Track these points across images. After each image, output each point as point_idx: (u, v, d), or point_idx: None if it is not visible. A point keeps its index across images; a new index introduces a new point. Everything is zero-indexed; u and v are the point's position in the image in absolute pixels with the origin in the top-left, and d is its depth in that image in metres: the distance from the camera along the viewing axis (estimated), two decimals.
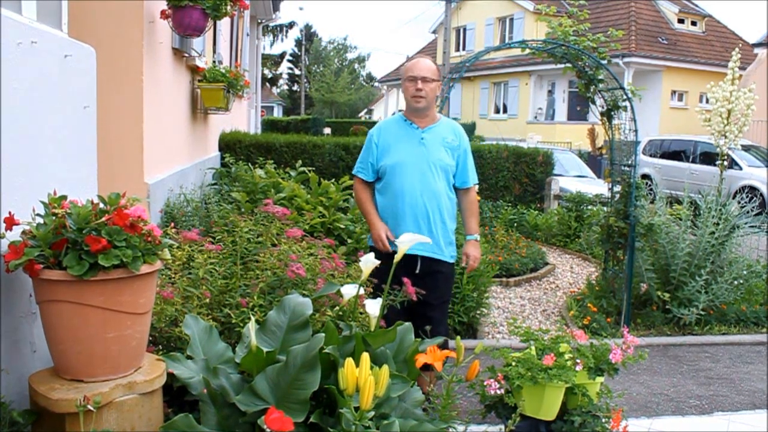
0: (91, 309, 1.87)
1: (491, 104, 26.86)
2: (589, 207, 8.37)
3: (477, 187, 3.43)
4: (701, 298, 4.98)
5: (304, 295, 2.57)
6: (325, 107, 44.79)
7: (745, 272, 5.51)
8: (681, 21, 23.61)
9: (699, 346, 4.88)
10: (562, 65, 5.32)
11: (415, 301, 2.86)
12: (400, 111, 3.42)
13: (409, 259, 2.94)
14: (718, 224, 5.11)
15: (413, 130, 3.24)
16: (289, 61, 50.41)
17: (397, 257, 2.59)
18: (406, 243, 2.58)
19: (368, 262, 2.57)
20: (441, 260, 3.24)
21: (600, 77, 5.12)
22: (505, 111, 26.16)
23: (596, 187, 9.59)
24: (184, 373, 2.17)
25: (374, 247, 3.17)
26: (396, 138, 3.25)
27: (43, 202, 1.91)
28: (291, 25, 46.37)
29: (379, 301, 2.50)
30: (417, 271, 3.09)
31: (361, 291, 2.61)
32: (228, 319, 2.66)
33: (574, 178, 10.79)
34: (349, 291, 2.56)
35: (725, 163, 6.01)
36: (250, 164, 7.00)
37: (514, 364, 2.78)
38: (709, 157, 12.77)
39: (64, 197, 1.93)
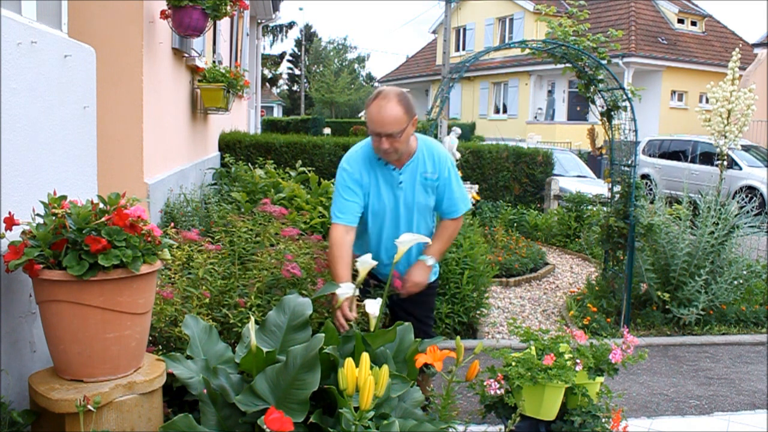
0: (91, 309, 1.87)
1: (491, 104, 26.87)
2: (589, 207, 8.38)
3: (462, 219, 3.01)
4: (701, 298, 4.98)
5: (302, 295, 2.57)
6: (325, 107, 44.79)
7: (744, 272, 5.51)
8: (681, 21, 23.63)
9: (699, 346, 4.88)
10: (562, 65, 5.32)
11: (399, 314, 2.84)
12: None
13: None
14: (717, 224, 5.11)
15: (389, 172, 2.81)
16: (288, 61, 50.44)
17: (397, 257, 2.58)
18: (406, 243, 2.57)
19: (365, 263, 2.55)
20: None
21: (600, 77, 5.12)
22: (504, 111, 26.17)
23: (596, 187, 9.59)
24: (183, 373, 2.17)
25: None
26: (371, 178, 2.81)
27: (42, 202, 1.91)
28: (291, 25, 46.46)
29: (378, 301, 2.50)
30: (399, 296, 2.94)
31: (357, 292, 2.59)
32: (226, 319, 2.66)
33: (573, 178, 10.80)
34: (344, 291, 2.55)
35: (725, 163, 6.02)
36: (249, 164, 7.01)
37: (513, 364, 2.78)
38: (708, 157, 12.77)
39: (63, 197, 1.93)
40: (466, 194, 2.96)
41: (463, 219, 2.74)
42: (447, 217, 2.93)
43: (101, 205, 1.94)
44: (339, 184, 2.83)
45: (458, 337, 2.43)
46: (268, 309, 2.66)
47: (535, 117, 24.48)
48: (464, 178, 8.74)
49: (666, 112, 21.65)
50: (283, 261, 2.84)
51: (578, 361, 2.79)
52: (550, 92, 25.01)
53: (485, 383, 2.80)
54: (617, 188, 5.28)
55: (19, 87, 2.02)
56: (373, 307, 2.46)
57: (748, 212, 5.30)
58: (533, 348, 2.88)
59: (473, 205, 7.40)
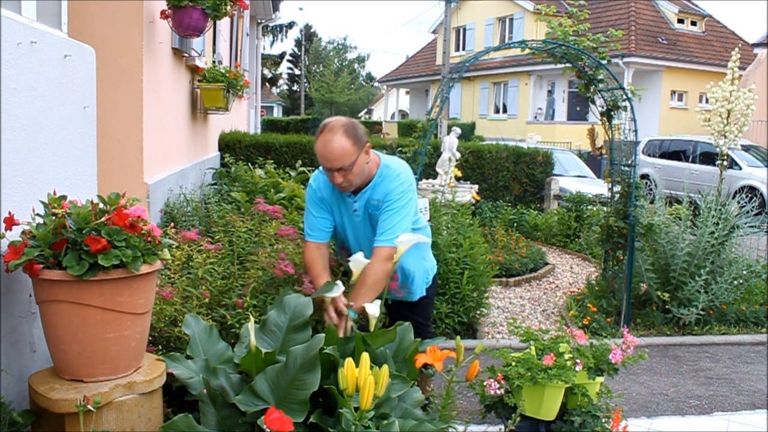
0: (91, 309, 1.87)
1: (491, 104, 26.86)
2: (589, 207, 8.37)
3: (392, 251, 2.58)
4: (701, 298, 4.98)
5: (296, 293, 2.57)
6: (325, 107, 44.78)
7: (744, 272, 5.51)
8: (681, 21, 23.62)
9: (699, 346, 4.88)
10: (562, 65, 5.32)
11: (397, 319, 2.82)
12: None
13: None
14: (717, 224, 5.11)
15: (345, 197, 2.76)
16: (288, 61, 50.43)
17: (396, 257, 2.58)
18: (405, 243, 2.56)
19: (358, 262, 2.54)
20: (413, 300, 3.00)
21: (600, 77, 5.12)
22: (504, 111, 26.16)
23: (596, 187, 9.59)
24: (183, 373, 2.17)
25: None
26: (332, 198, 2.79)
27: (42, 202, 1.91)
28: (291, 25, 46.42)
29: (378, 302, 2.50)
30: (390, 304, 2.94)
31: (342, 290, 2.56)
32: (225, 319, 2.66)
33: (573, 178, 10.80)
34: (336, 291, 2.55)
35: (725, 163, 6.02)
36: (249, 164, 7.01)
37: (513, 364, 2.78)
38: (708, 157, 12.77)
39: (63, 197, 1.93)
40: (404, 228, 2.63)
41: (391, 267, 2.57)
42: (374, 243, 2.66)
43: (101, 205, 1.94)
44: (307, 200, 2.85)
45: (458, 337, 2.43)
46: (265, 309, 2.67)
47: (535, 117, 24.48)
48: (464, 178, 8.74)
49: (666, 112, 21.65)
50: (277, 260, 2.84)
51: (578, 361, 2.79)
52: (550, 92, 25.01)
53: (485, 383, 2.80)
54: (617, 188, 5.28)
55: (19, 87, 2.02)
56: (373, 308, 2.46)
57: (748, 212, 5.30)
58: (533, 348, 2.88)
59: (473, 205, 7.39)
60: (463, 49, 27.53)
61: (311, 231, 2.80)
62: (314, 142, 2.63)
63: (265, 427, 1.72)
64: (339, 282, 2.58)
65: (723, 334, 5.12)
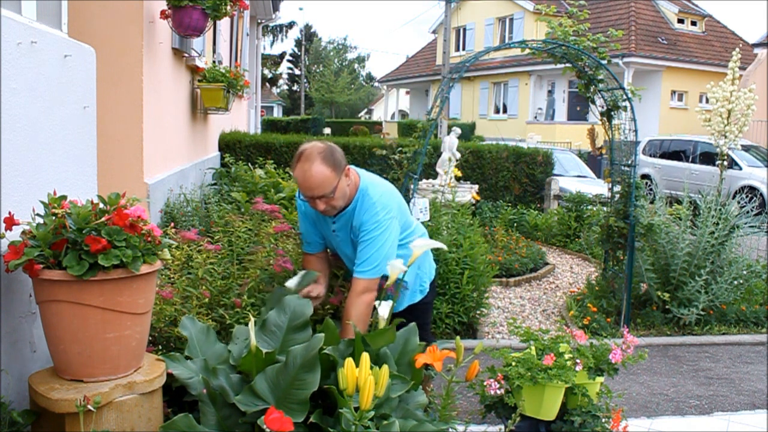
0: (91, 309, 1.87)
1: (491, 104, 26.87)
2: (589, 207, 8.37)
3: (371, 282, 2.54)
4: (701, 298, 4.97)
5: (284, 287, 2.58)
6: (325, 107, 44.81)
7: (744, 272, 5.51)
8: (681, 21, 23.62)
9: (699, 346, 4.88)
10: (562, 65, 5.32)
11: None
12: None
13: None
14: (717, 224, 5.11)
15: (324, 217, 2.73)
16: (289, 61, 50.45)
17: (410, 261, 2.56)
18: (420, 248, 2.55)
19: (395, 267, 2.46)
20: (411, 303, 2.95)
21: (600, 77, 5.12)
22: (504, 111, 26.17)
23: (596, 187, 9.59)
24: (183, 374, 2.17)
25: None
26: (314, 214, 2.76)
27: (42, 202, 1.91)
28: (291, 25, 46.46)
29: (389, 303, 2.48)
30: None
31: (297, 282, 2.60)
32: (224, 319, 2.66)
33: (574, 178, 10.79)
34: (294, 282, 2.57)
35: (725, 163, 6.02)
36: (250, 164, 7.01)
37: (514, 364, 2.78)
38: (709, 157, 12.76)
39: (63, 197, 1.93)
40: (382, 257, 2.55)
41: (373, 297, 2.53)
42: (353, 274, 2.61)
43: (101, 205, 1.94)
44: (298, 213, 2.87)
45: (458, 337, 2.43)
46: (263, 308, 2.67)
47: (535, 117, 24.48)
48: (464, 178, 8.74)
49: (666, 112, 21.65)
50: (274, 257, 2.84)
51: (578, 361, 2.79)
52: (550, 92, 25.01)
53: (485, 383, 2.80)
54: (617, 188, 5.27)
55: (19, 87, 2.02)
56: (384, 309, 2.44)
57: (748, 212, 5.30)
58: (533, 348, 2.88)
59: (473, 205, 7.39)
60: (463, 49, 27.53)
61: (305, 241, 2.86)
62: (292, 169, 2.58)
63: (265, 427, 1.72)
64: (306, 271, 2.64)
65: (723, 334, 5.12)
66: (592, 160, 15.42)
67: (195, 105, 6.16)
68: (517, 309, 5.82)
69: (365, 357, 1.86)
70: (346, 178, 2.57)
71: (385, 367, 1.88)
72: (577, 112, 23.46)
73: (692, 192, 5.67)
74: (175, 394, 2.28)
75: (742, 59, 6.49)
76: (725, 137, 5.70)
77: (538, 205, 9.75)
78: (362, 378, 1.81)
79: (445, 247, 2.81)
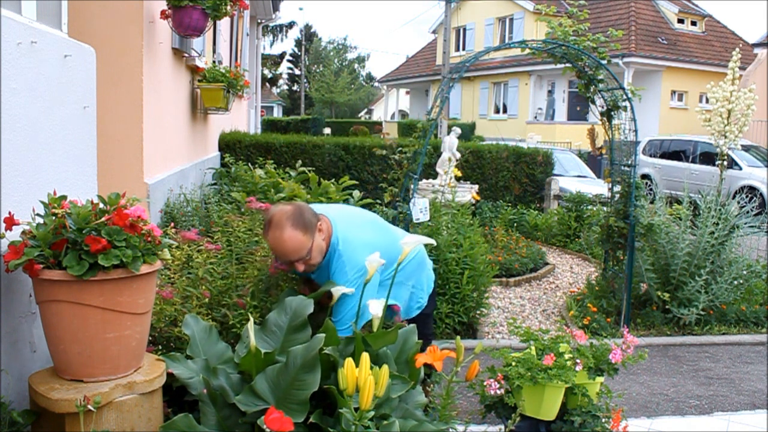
0: (91, 309, 1.87)
1: (491, 104, 26.87)
2: (589, 207, 8.37)
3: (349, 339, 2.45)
4: (701, 298, 4.98)
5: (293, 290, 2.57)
6: (325, 107, 44.81)
7: (744, 272, 5.51)
8: (681, 21, 23.63)
9: (699, 346, 4.88)
10: (562, 65, 5.32)
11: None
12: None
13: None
14: (717, 224, 5.11)
15: None
16: (289, 61, 50.45)
17: (401, 258, 2.57)
18: (410, 244, 2.56)
19: (373, 262, 2.48)
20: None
21: (600, 77, 5.12)
22: (504, 111, 26.17)
23: (596, 187, 9.59)
24: (183, 373, 2.17)
25: None
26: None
27: (43, 202, 1.91)
28: (291, 25, 46.46)
29: (382, 302, 2.48)
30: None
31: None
32: (226, 319, 2.66)
33: (574, 178, 10.80)
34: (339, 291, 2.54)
35: (725, 163, 6.01)
36: (250, 164, 7.00)
37: (514, 364, 2.78)
38: (709, 157, 12.77)
39: (63, 197, 1.93)
40: (351, 315, 2.51)
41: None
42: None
43: (101, 205, 1.94)
44: None
45: (458, 337, 2.43)
46: (265, 308, 2.67)
47: (535, 117, 24.48)
48: (464, 178, 8.74)
49: (666, 112, 21.65)
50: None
51: (578, 361, 2.79)
52: (550, 92, 25.01)
53: (485, 383, 2.80)
54: (617, 188, 5.28)
55: (19, 87, 2.02)
56: (377, 307, 2.44)
57: (748, 212, 5.30)
58: (533, 348, 2.88)
59: (473, 205, 7.39)
60: (463, 49, 27.54)
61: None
62: (264, 236, 2.54)
63: (265, 427, 1.72)
64: None
65: (723, 334, 5.12)
66: (592, 160, 15.43)
67: (195, 105, 6.16)
68: (517, 309, 5.82)
69: (365, 357, 1.86)
70: (320, 234, 2.53)
71: (385, 367, 1.88)
72: (577, 112, 23.47)
73: (692, 192, 5.67)
74: (175, 394, 2.28)
75: (742, 59, 6.49)
76: (725, 137, 5.70)
77: (538, 205, 9.75)
78: (362, 378, 1.81)
79: (434, 242, 2.77)
